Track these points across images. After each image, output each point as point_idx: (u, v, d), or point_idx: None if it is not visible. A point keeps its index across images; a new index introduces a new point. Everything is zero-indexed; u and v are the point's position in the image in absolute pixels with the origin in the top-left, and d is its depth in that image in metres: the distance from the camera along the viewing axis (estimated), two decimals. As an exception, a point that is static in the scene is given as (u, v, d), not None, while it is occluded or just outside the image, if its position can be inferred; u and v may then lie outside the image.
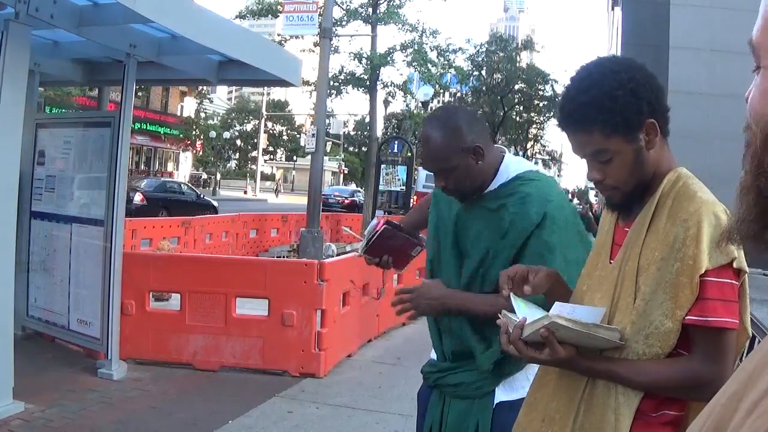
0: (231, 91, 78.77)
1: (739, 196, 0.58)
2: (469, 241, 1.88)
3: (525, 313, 1.32)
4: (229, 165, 59.07)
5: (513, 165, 1.87)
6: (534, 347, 1.28)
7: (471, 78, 31.89)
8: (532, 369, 1.81)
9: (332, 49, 14.91)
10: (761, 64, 0.57)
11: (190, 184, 25.75)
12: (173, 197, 19.53)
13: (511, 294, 1.39)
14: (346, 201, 27.01)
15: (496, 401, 1.82)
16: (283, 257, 10.82)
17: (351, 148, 59.58)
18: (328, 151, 44.00)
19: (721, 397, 0.51)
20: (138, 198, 17.20)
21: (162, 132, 41.49)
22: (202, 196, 21.74)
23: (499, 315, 1.38)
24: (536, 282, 1.41)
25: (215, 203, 20.94)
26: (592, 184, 1.51)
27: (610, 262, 1.36)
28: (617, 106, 1.25)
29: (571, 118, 1.30)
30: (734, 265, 1.21)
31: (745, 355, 1.33)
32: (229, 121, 56.96)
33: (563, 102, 1.33)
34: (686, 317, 1.21)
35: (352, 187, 40.79)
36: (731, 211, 0.60)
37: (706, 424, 0.51)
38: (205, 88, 39.32)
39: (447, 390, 1.92)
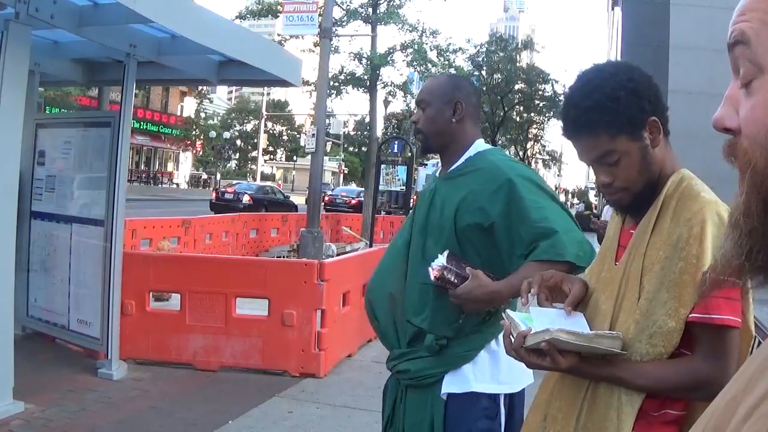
0: (231, 91, 78.85)
1: (737, 230, 0.53)
2: (440, 215, 1.91)
3: (536, 318, 1.31)
4: (229, 165, 59.07)
5: (482, 145, 1.98)
6: (536, 354, 1.28)
7: (471, 78, 31.80)
8: (480, 364, 1.83)
9: (332, 49, 14.85)
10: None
11: (277, 188, 30.86)
12: (268, 197, 24.09)
13: (534, 298, 1.37)
14: (353, 201, 26.93)
15: (445, 391, 1.84)
16: (283, 257, 10.81)
17: (351, 148, 59.52)
18: (328, 151, 43.98)
19: (721, 401, 0.51)
20: (246, 198, 22.31)
21: (162, 132, 41.51)
22: (288, 197, 26.57)
23: (503, 315, 1.37)
24: (576, 294, 1.36)
25: (297, 203, 25.22)
26: (591, 184, 1.51)
27: (615, 264, 1.37)
28: (620, 106, 1.27)
29: (576, 124, 1.32)
30: None
31: (749, 355, 1.32)
32: (229, 121, 57.00)
33: (566, 110, 1.34)
34: (690, 315, 1.21)
35: (360, 187, 40.86)
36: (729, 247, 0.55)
37: (707, 427, 0.51)
38: (205, 88, 39.32)
39: (400, 377, 1.97)
